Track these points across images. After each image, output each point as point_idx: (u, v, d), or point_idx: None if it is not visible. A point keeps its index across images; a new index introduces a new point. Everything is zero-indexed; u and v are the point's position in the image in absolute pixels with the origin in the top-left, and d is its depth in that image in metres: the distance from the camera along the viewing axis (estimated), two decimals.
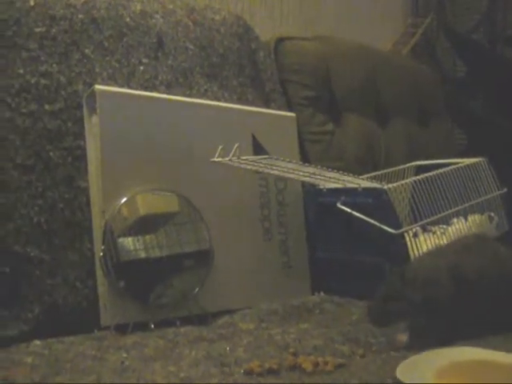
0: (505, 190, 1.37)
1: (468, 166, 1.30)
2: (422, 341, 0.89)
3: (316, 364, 0.82)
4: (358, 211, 1.18)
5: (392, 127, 1.78)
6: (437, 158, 1.46)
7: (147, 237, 1.11)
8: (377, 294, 0.91)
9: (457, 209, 1.25)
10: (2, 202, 1.04)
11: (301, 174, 1.20)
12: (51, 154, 1.09)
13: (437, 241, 1.24)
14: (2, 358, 0.90)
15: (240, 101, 1.37)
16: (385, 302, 0.90)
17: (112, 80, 1.19)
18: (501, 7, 2.40)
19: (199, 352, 0.91)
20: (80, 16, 1.19)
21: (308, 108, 1.58)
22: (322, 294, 1.28)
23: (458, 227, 1.28)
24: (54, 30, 1.15)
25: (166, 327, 1.05)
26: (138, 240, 1.10)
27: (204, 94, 1.32)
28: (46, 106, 1.10)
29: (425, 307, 0.89)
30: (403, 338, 0.92)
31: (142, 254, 1.10)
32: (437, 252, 1.00)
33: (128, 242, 1.10)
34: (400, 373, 0.76)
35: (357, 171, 1.38)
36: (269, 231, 1.29)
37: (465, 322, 0.90)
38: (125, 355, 0.91)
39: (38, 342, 0.96)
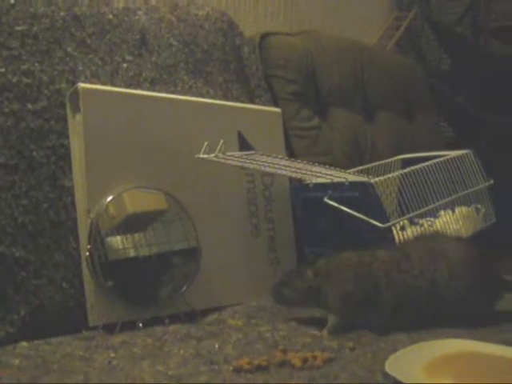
0: (491, 181, 1.37)
1: (454, 158, 1.31)
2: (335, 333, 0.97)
3: (305, 360, 0.82)
4: (345, 205, 1.18)
5: (378, 121, 1.79)
6: (423, 151, 1.46)
7: (136, 235, 1.10)
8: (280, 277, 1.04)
9: (444, 201, 1.25)
10: None
11: (287, 169, 1.19)
12: (34, 153, 1.08)
13: None
14: None
15: (225, 97, 1.37)
16: (280, 286, 1.02)
17: (95, 78, 1.18)
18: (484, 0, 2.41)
19: (188, 350, 0.91)
20: (62, 13, 1.18)
21: (294, 103, 1.58)
22: None
23: (446, 220, 1.28)
24: (35, 28, 1.14)
25: (154, 326, 1.05)
26: (126, 238, 1.09)
27: (188, 91, 1.31)
28: (29, 105, 1.09)
29: (314, 297, 0.99)
30: (319, 332, 0.98)
31: (131, 253, 1.10)
32: (353, 253, 1.03)
33: (116, 241, 1.09)
34: (389, 366, 0.76)
35: (343, 166, 1.38)
36: (256, 227, 1.28)
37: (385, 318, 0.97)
38: (113, 355, 0.90)
39: (24, 344, 0.95)
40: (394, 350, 0.83)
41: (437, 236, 1.08)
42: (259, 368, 0.81)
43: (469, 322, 0.94)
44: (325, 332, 0.97)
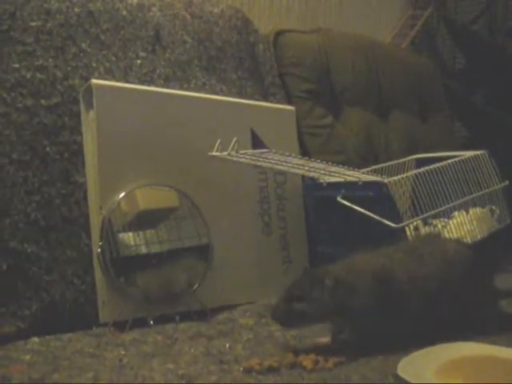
0: (506, 182, 1.36)
1: (469, 158, 1.29)
2: (343, 343, 0.87)
3: (316, 362, 0.81)
4: (358, 205, 1.17)
5: (392, 120, 1.77)
6: (437, 151, 1.45)
7: (147, 232, 1.10)
8: (282, 293, 0.87)
9: (458, 202, 1.24)
10: None
11: (300, 167, 1.19)
12: (48, 149, 1.08)
13: None
14: (0, 355, 0.89)
15: (239, 94, 1.36)
16: (289, 301, 0.85)
17: (109, 74, 1.18)
18: None
19: (198, 349, 0.91)
20: (76, 9, 1.18)
21: (307, 101, 1.57)
22: None
23: (460, 220, 1.27)
24: (49, 24, 1.14)
25: (165, 323, 1.04)
26: (138, 235, 1.09)
27: (202, 88, 1.31)
28: (42, 101, 1.09)
29: (336, 310, 0.85)
30: (325, 340, 0.90)
31: (143, 249, 1.10)
32: (368, 256, 0.92)
33: (128, 237, 1.09)
34: (401, 369, 0.76)
35: (357, 165, 1.38)
36: (268, 226, 1.28)
37: (397, 326, 0.87)
38: (123, 352, 0.90)
39: (35, 339, 0.96)
40: (406, 354, 0.82)
41: (436, 238, 1.04)
42: (270, 369, 0.80)
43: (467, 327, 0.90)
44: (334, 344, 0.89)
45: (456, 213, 1.29)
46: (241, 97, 1.35)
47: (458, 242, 1.07)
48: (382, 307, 0.86)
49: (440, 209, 1.20)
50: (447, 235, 1.23)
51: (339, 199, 1.20)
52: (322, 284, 0.84)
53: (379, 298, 0.85)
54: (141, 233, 1.10)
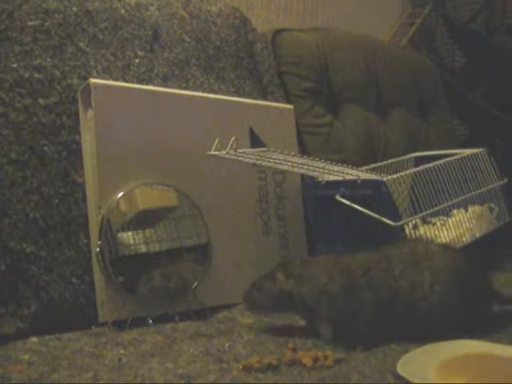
0: (505, 180, 1.36)
1: (468, 156, 1.29)
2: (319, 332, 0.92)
3: (316, 359, 0.81)
4: (357, 203, 1.17)
5: (391, 119, 1.77)
6: (437, 149, 1.45)
7: (147, 231, 1.10)
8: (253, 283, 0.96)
9: (457, 200, 1.24)
10: None
11: (299, 166, 1.18)
12: (46, 148, 1.08)
13: (437, 232, 1.23)
14: None
15: (237, 93, 1.36)
16: (257, 290, 0.94)
17: (107, 73, 1.18)
18: None
19: (197, 348, 0.91)
20: (74, 9, 1.18)
21: (306, 100, 1.57)
22: None
23: (459, 218, 1.27)
24: (47, 24, 1.14)
25: (164, 322, 1.04)
26: (137, 234, 1.09)
27: (200, 87, 1.30)
28: (40, 101, 1.09)
29: (286, 302, 0.92)
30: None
31: (142, 249, 1.10)
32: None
33: (128, 237, 1.09)
34: (401, 367, 0.75)
35: (356, 163, 1.38)
36: (267, 225, 1.28)
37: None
38: (122, 352, 0.90)
39: (34, 339, 0.96)
40: (406, 351, 0.82)
41: (422, 242, 1.02)
42: (269, 367, 0.80)
43: (457, 330, 0.88)
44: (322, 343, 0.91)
45: (455, 211, 1.29)
46: (239, 96, 1.35)
47: (443, 246, 1.04)
48: (334, 303, 0.90)
49: (439, 207, 1.20)
50: (446, 233, 1.23)
51: (338, 198, 1.20)
52: (274, 277, 0.93)
53: (330, 293, 0.90)
54: (140, 232, 1.10)
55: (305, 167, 1.19)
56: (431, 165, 1.22)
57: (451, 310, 0.90)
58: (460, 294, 0.91)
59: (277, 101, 1.47)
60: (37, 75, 1.10)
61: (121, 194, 1.08)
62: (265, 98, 1.45)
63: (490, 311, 0.98)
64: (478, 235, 1.30)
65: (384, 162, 1.50)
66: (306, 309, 0.92)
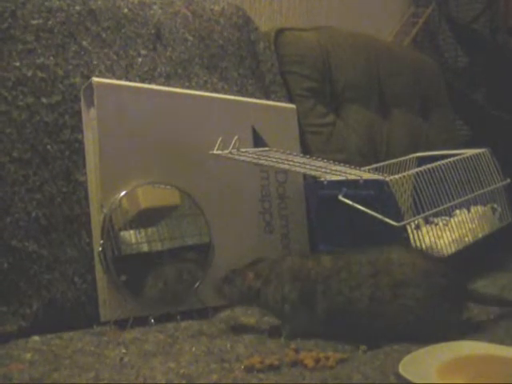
0: (508, 180, 1.35)
1: (470, 156, 1.29)
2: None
3: (318, 360, 0.81)
4: (359, 203, 1.17)
5: (394, 118, 1.77)
6: (439, 149, 1.44)
7: (149, 230, 1.10)
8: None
9: (459, 200, 1.24)
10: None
11: (302, 166, 1.18)
12: (48, 147, 1.08)
13: (439, 232, 1.23)
14: (1, 354, 0.89)
15: (240, 92, 1.36)
16: (223, 282, 1.01)
17: (110, 72, 1.18)
18: None
19: (199, 347, 0.91)
20: (77, 7, 1.18)
21: (309, 99, 1.56)
22: None
23: (461, 219, 1.27)
24: (50, 22, 1.14)
25: (166, 322, 1.05)
26: (139, 233, 1.09)
27: (203, 86, 1.30)
28: (43, 99, 1.09)
29: (252, 299, 0.99)
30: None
31: (145, 248, 1.10)
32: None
33: (130, 235, 1.09)
34: (403, 368, 0.75)
35: (358, 163, 1.37)
36: (270, 224, 1.28)
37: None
38: (124, 351, 0.90)
39: (36, 338, 0.96)
40: (408, 352, 0.82)
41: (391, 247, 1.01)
42: (271, 367, 0.80)
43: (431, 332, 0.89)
44: (282, 339, 0.94)
45: (458, 211, 1.29)
46: (242, 95, 1.35)
47: (421, 252, 1.05)
48: (294, 303, 0.95)
49: (441, 207, 1.20)
50: (448, 234, 1.23)
51: (341, 197, 1.20)
52: (245, 274, 0.99)
53: (290, 291, 0.96)
54: (142, 231, 1.10)
55: (307, 167, 1.19)
56: (434, 165, 1.21)
57: (408, 323, 0.91)
58: (420, 308, 0.91)
59: (279, 100, 1.47)
60: (40, 74, 1.10)
61: (123, 192, 1.08)
62: (267, 97, 1.45)
63: (456, 322, 0.95)
64: (480, 235, 1.29)
65: (386, 162, 1.49)
66: (269, 308, 0.99)
